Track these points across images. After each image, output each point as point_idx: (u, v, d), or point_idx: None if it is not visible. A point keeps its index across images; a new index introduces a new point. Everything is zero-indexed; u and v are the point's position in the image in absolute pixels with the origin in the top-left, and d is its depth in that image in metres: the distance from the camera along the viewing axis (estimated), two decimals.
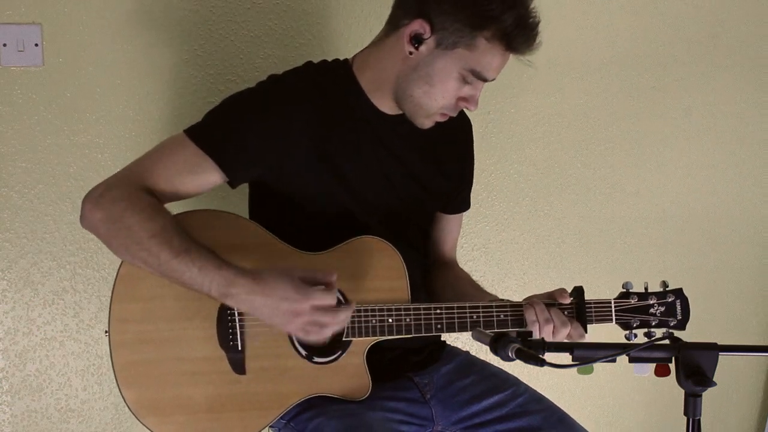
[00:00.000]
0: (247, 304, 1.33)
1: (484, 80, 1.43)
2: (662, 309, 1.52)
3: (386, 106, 1.51)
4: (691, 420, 1.12)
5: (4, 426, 1.83)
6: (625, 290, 1.52)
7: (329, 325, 1.33)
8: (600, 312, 1.51)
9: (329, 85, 1.48)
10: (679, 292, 1.53)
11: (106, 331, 1.38)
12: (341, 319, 1.34)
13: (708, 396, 1.10)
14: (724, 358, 1.11)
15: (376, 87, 1.49)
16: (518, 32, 1.38)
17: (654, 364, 1.16)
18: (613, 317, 1.52)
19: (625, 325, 1.53)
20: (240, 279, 1.32)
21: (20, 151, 1.77)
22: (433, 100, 1.44)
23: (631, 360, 1.14)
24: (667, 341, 1.13)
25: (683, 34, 2.20)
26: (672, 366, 1.14)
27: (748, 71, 2.27)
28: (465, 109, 1.48)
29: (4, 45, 1.72)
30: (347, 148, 1.48)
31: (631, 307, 1.52)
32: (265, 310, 1.32)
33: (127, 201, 1.32)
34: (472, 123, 1.70)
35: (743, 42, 2.25)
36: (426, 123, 1.49)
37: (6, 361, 1.82)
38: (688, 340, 1.13)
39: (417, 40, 1.41)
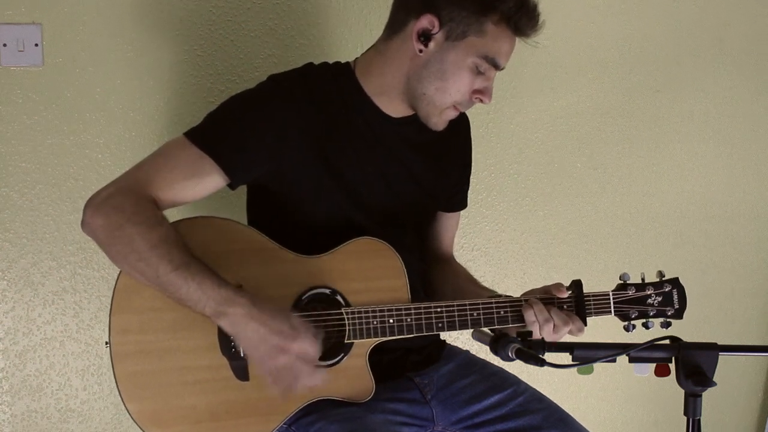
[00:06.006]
0: (239, 327, 1.31)
1: (496, 67, 1.43)
2: (659, 299, 1.53)
3: (392, 109, 1.51)
4: (691, 420, 1.12)
5: (4, 426, 1.83)
6: (622, 281, 1.53)
7: (303, 375, 1.32)
8: (598, 305, 1.51)
9: (330, 87, 1.48)
10: (675, 282, 1.54)
11: (106, 343, 1.37)
12: (315, 378, 1.33)
13: (708, 396, 1.10)
14: (724, 358, 1.11)
15: (382, 91, 1.49)
16: (522, 14, 1.40)
17: (654, 364, 1.16)
18: (612, 309, 1.52)
19: (624, 317, 1.53)
20: (239, 299, 1.31)
21: (20, 151, 1.77)
22: (447, 95, 1.44)
23: (631, 360, 1.14)
24: (667, 341, 1.13)
25: (688, 35, 2.20)
26: (672, 366, 1.14)
27: (754, 72, 2.27)
28: (479, 102, 1.47)
29: (4, 45, 1.72)
30: (347, 150, 1.48)
31: (629, 299, 1.52)
32: (255, 337, 1.30)
33: (130, 210, 1.32)
34: (471, 123, 1.70)
35: (751, 42, 2.25)
36: (439, 123, 1.49)
37: (6, 361, 1.82)
38: (688, 340, 1.13)
39: (425, 36, 1.41)
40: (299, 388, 1.33)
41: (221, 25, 1.84)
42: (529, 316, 1.44)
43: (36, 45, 1.74)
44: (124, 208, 1.32)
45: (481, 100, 1.46)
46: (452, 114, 1.48)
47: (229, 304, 1.30)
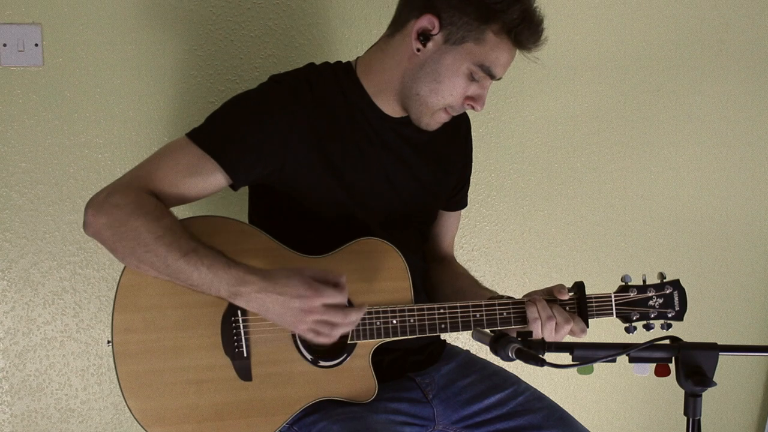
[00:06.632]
0: (257, 303, 1.31)
1: (492, 77, 1.43)
2: (660, 301, 1.54)
3: (390, 108, 1.51)
4: (691, 420, 1.12)
5: (4, 426, 1.83)
6: (624, 283, 1.54)
7: (340, 325, 1.33)
8: (600, 306, 1.52)
9: (332, 87, 1.48)
10: (676, 284, 1.55)
11: (108, 342, 1.38)
12: (352, 320, 1.34)
13: (708, 396, 1.10)
14: (724, 358, 1.11)
15: (381, 89, 1.49)
16: (524, 26, 1.39)
17: (654, 364, 1.16)
18: (614, 311, 1.53)
19: (625, 318, 1.54)
20: (251, 276, 1.31)
21: (20, 151, 1.77)
22: (440, 98, 1.44)
23: (631, 360, 1.14)
24: (667, 341, 1.13)
25: (689, 37, 2.20)
26: (672, 366, 1.14)
27: (755, 74, 2.27)
28: (471, 109, 1.48)
29: (4, 45, 1.72)
30: (349, 150, 1.48)
31: (631, 301, 1.53)
32: (276, 307, 1.31)
33: (132, 205, 1.32)
34: (471, 123, 1.70)
35: (750, 45, 2.25)
36: (431, 124, 1.49)
37: (6, 361, 1.82)
38: (688, 340, 1.13)
39: (424, 36, 1.41)
40: (339, 334, 1.34)
41: (221, 25, 1.84)
42: (532, 312, 1.44)
43: (36, 45, 1.73)
44: (126, 204, 1.32)
45: (473, 107, 1.46)
46: (444, 117, 1.48)
47: (242, 284, 1.31)
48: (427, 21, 1.40)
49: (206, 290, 1.32)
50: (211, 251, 1.32)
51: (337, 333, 1.33)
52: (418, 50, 1.42)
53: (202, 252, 1.31)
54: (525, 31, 1.39)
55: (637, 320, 1.54)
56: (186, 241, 1.31)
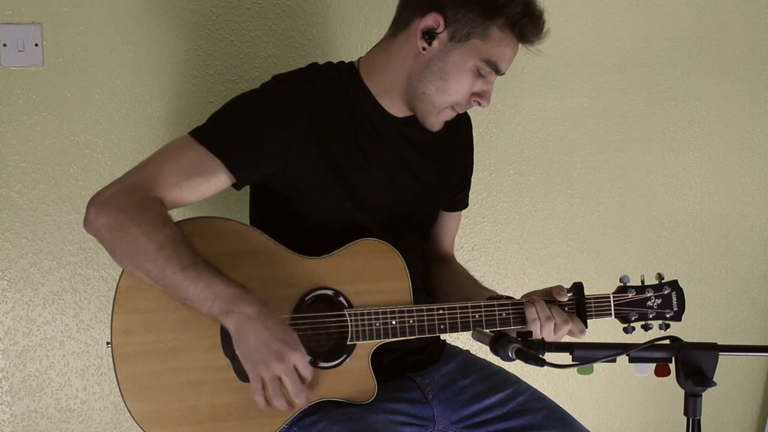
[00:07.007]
0: (244, 327, 1.30)
1: (497, 71, 1.44)
2: (659, 301, 1.54)
3: (395, 108, 1.51)
4: (691, 420, 1.12)
5: (4, 426, 1.83)
6: (622, 284, 1.54)
7: (291, 392, 1.31)
8: (599, 307, 1.52)
9: (335, 87, 1.48)
10: (674, 284, 1.55)
11: (108, 343, 1.37)
12: (300, 400, 1.32)
13: (708, 396, 1.10)
14: (724, 358, 1.11)
15: (385, 89, 1.49)
16: (527, 20, 1.40)
17: (654, 364, 1.16)
18: (613, 312, 1.53)
19: (624, 319, 1.55)
20: (248, 298, 1.31)
21: (20, 151, 1.77)
22: (447, 96, 1.44)
23: (631, 360, 1.14)
24: (667, 341, 1.13)
25: (690, 38, 2.20)
26: (672, 366, 1.14)
27: (755, 76, 2.27)
28: (477, 105, 1.48)
29: (4, 45, 1.72)
30: (352, 150, 1.48)
31: (629, 301, 1.53)
32: (256, 339, 1.30)
33: (135, 210, 1.31)
34: (472, 122, 1.70)
35: (750, 47, 2.25)
36: (436, 123, 1.49)
37: (6, 361, 1.82)
38: (688, 340, 1.13)
39: (430, 35, 1.41)
40: (281, 404, 1.32)
41: (221, 25, 1.83)
42: (531, 313, 1.44)
43: (36, 45, 1.73)
44: (129, 207, 1.31)
45: (480, 104, 1.46)
46: (450, 114, 1.48)
47: (237, 304, 1.30)
48: (432, 19, 1.40)
49: (198, 305, 1.31)
50: (210, 268, 1.32)
51: (279, 400, 1.31)
52: (424, 49, 1.42)
53: (202, 267, 1.31)
54: (528, 24, 1.41)
55: (636, 321, 1.54)
56: (186, 254, 1.31)
